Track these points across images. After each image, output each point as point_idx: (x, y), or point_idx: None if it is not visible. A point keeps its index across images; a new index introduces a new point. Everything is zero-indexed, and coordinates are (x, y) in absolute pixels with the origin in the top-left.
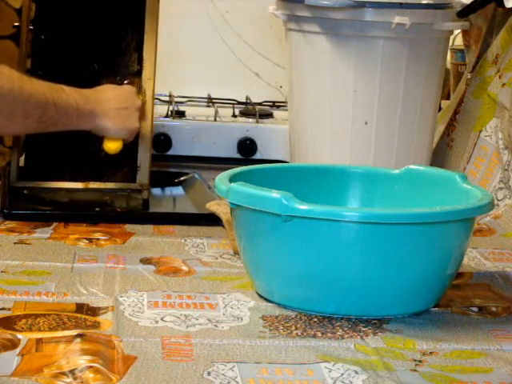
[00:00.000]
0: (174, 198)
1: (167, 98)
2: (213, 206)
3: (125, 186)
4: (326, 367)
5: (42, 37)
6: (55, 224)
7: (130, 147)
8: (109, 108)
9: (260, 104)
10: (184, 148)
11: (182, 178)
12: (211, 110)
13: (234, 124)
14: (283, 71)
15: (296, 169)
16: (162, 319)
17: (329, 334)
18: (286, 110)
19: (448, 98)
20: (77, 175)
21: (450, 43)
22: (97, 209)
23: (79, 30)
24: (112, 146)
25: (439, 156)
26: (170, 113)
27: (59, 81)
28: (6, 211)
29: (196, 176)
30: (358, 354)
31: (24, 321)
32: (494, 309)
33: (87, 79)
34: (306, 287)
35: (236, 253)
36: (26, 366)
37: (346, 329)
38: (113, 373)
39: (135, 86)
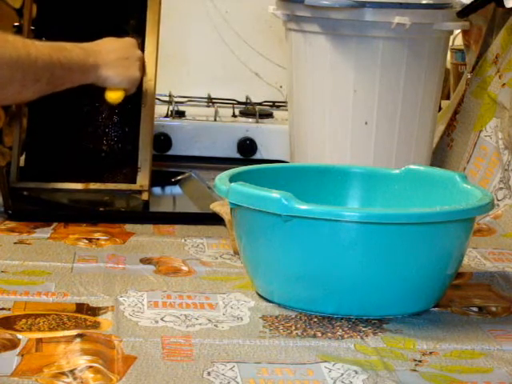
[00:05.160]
0: (173, 197)
1: (167, 98)
2: (216, 207)
3: (125, 187)
4: (325, 367)
5: (43, 38)
6: (55, 224)
7: (131, 148)
8: (110, 58)
9: (260, 104)
10: (184, 148)
11: (178, 177)
12: (211, 110)
13: (233, 124)
14: (283, 71)
15: (296, 169)
16: (162, 319)
17: (329, 334)
18: (286, 110)
19: (448, 97)
20: (77, 176)
21: (450, 43)
22: (101, 208)
23: (80, 31)
24: (113, 96)
25: (439, 156)
26: (170, 113)
27: None
28: (10, 212)
29: (193, 175)
30: (358, 354)
31: (24, 321)
32: (493, 309)
33: None
34: (306, 287)
35: (236, 253)
36: (26, 365)
37: (346, 329)
38: (113, 373)
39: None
